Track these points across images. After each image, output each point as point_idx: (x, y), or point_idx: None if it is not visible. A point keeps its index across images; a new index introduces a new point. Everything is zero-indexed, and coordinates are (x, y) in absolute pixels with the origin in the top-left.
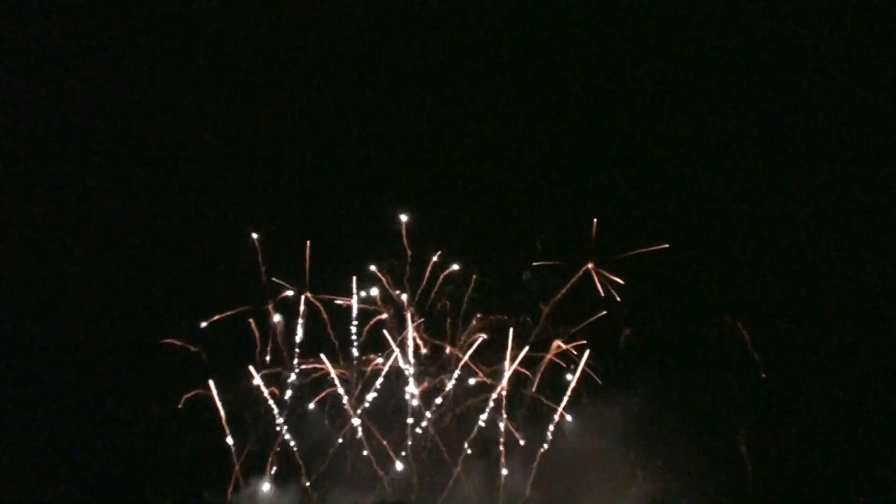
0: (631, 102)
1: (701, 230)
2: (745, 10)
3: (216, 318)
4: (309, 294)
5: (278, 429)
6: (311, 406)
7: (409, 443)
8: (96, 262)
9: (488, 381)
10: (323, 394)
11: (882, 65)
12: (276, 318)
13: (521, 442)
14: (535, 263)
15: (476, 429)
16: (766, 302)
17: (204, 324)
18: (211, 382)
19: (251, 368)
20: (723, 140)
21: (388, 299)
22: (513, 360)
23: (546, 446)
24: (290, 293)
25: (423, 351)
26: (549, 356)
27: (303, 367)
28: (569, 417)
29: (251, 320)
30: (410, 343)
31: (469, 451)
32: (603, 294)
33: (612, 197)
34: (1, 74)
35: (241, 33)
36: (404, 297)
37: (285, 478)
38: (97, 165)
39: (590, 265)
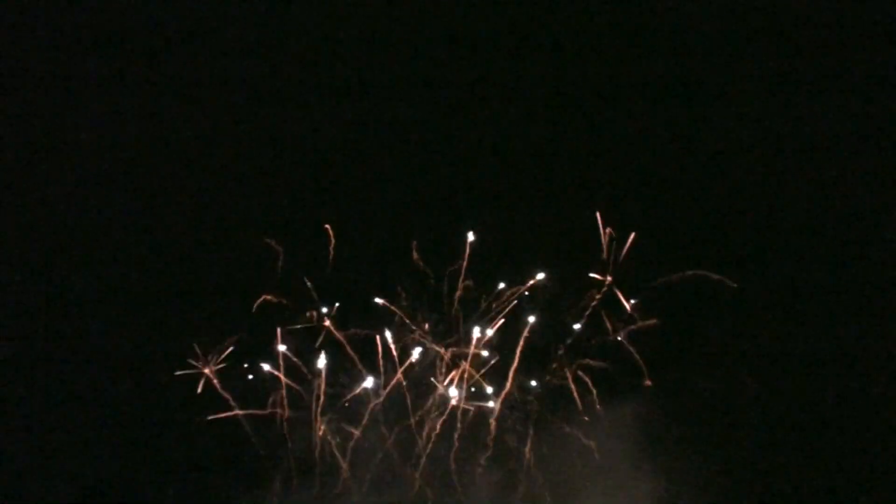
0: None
1: (703, 235)
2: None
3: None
4: (330, 324)
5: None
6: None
7: (419, 450)
8: (112, 268)
9: (494, 398)
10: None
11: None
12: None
13: (526, 448)
14: (530, 283)
15: (487, 437)
16: (769, 305)
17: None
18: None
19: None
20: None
21: (414, 310)
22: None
23: (549, 451)
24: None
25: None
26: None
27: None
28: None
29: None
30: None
31: (480, 461)
32: (610, 329)
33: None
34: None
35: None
36: (427, 325)
37: (295, 481)
38: (117, 178)
39: (597, 294)
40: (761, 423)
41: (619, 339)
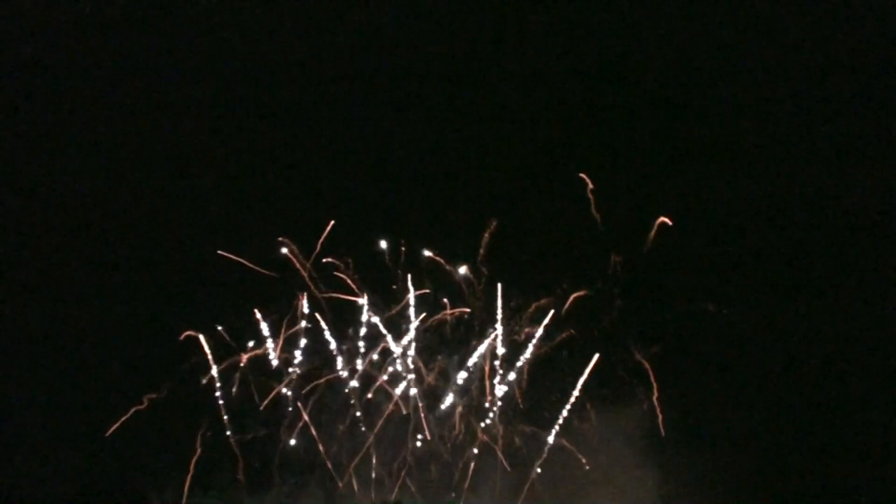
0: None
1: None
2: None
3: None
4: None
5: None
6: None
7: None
8: (114, 264)
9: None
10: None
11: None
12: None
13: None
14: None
15: (478, 435)
16: (770, 308)
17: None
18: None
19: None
20: None
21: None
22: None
23: (546, 453)
24: None
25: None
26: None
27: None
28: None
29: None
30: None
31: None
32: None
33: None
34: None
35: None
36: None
37: (290, 478)
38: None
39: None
40: (761, 429)
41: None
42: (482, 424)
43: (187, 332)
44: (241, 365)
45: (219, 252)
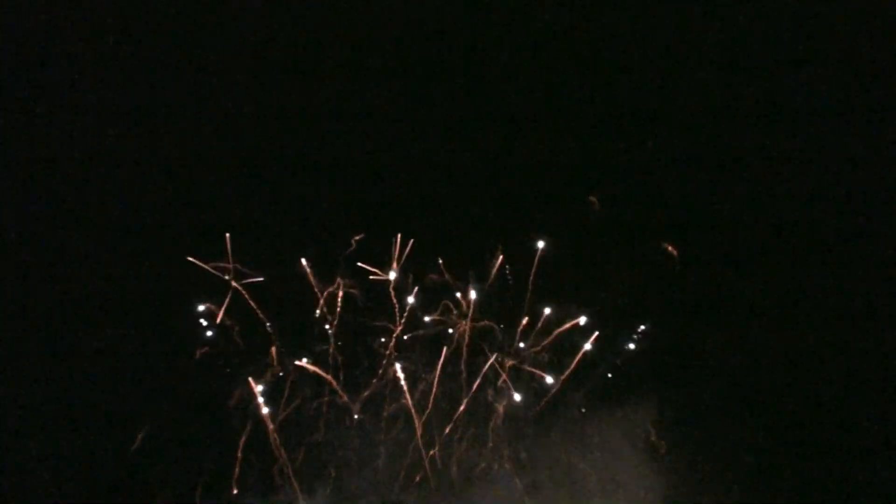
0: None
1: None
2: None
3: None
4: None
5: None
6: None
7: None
8: (110, 261)
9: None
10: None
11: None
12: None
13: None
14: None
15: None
16: (766, 308)
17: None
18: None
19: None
20: None
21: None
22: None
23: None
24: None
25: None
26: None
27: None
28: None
29: None
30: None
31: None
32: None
33: None
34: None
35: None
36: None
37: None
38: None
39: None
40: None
41: None
42: (488, 433)
43: (203, 349)
44: (256, 380)
45: (237, 266)
